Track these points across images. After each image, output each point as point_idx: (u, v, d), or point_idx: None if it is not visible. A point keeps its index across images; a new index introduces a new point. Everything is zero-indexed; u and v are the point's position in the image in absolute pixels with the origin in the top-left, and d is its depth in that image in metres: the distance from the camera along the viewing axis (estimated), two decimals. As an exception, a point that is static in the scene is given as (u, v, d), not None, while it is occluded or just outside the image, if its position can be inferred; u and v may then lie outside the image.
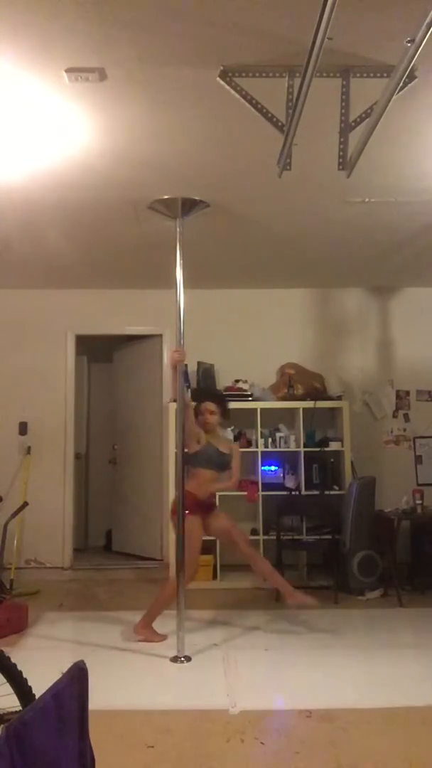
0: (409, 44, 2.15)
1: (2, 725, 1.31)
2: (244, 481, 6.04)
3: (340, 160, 3.21)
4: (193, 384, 6.05)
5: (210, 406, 4.49)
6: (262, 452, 5.96)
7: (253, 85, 2.85)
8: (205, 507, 4.39)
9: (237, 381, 6.15)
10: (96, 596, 5.48)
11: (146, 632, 4.23)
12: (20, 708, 1.85)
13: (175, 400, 4.28)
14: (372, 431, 6.42)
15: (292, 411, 6.11)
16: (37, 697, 1.57)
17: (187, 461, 4.33)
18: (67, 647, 4.22)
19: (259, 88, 2.86)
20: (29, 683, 1.96)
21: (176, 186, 4.00)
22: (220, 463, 4.43)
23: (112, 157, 3.60)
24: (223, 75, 2.80)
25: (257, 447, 5.96)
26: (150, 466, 6.56)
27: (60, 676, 1.45)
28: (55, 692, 1.39)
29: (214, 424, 4.53)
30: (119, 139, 3.40)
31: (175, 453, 4.39)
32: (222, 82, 2.82)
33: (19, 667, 1.99)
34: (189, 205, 4.15)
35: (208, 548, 5.41)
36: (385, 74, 2.72)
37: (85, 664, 1.53)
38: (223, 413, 4.58)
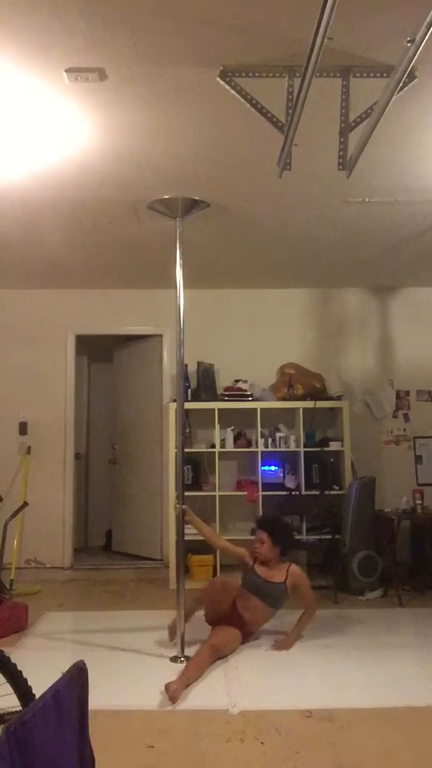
0: (409, 44, 2.15)
1: (2, 725, 1.31)
2: (245, 482, 6.06)
3: (340, 160, 3.21)
4: (193, 384, 6.05)
5: (260, 534, 4.09)
6: (262, 452, 5.96)
7: (253, 85, 2.85)
8: (241, 624, 3.97)
9: (237, 381, 6.16)
10: (96, 596, 5.48)
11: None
12: (20, 708, 1.85)
13: (174, 400, 4.27)
14: (372, 431, 6.42)
15: (292, 411, 6.11)
16: (37, 697, 1.57)
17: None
18: (67, 647, 4.22)
19: (259, 88, 2.86)
20: (29, 683, 1.96)
21: (176, 186, 4.00)
22: (270, 595, 4.02)
23: (112, 157, 3.60)
24: (223, 75, 2.80)
25: (257, 447, 5.96)
26: (150, 466, 6.56)
27: (60, 676, 1.45)
28: (55, 692, 1.39)
29: (265, 555, 4.10)
30: (119, 139, 3.40)
31: (175, 453, 4.38)
32: (222, 82, 2.83)
33: (19, 667, 1.99)
34: (189, 205, 4.15)
35: (207, 549, 5.43)
36: (385, 74, 2.72)
37: (85, 664, 1.53)
38: (279, 543, 4.10)
